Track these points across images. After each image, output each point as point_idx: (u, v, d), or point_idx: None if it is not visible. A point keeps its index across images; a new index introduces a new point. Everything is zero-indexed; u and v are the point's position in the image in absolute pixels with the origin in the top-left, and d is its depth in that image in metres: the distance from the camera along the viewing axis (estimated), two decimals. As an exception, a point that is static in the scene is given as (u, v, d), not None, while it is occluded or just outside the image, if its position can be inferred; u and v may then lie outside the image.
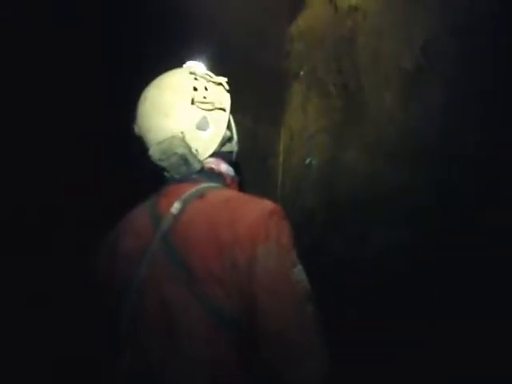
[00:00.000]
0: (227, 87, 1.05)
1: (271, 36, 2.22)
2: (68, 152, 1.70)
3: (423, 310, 1.25)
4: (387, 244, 1.44)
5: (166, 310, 0.83)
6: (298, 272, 0.81)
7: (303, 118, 2.00)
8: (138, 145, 0.98)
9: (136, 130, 0.98)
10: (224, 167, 1.01)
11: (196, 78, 0.99)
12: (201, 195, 0.90)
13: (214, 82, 1.03)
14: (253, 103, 1.99)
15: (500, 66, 1.13)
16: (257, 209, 0.82)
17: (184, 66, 1.05)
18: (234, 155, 1.09)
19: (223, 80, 1.05)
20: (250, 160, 1.92)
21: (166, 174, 0.97)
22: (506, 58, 1.11)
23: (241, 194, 0.93)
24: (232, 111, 1.06)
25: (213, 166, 0.99)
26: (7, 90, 1.58)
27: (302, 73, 1.83)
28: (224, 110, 1.01)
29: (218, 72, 1.07)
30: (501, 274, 1.05)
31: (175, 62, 1.08)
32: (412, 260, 1.30)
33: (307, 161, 1.94)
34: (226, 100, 1.03)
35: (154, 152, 0.93)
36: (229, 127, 1.05)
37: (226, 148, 1.04)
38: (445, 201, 1.26)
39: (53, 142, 1.67)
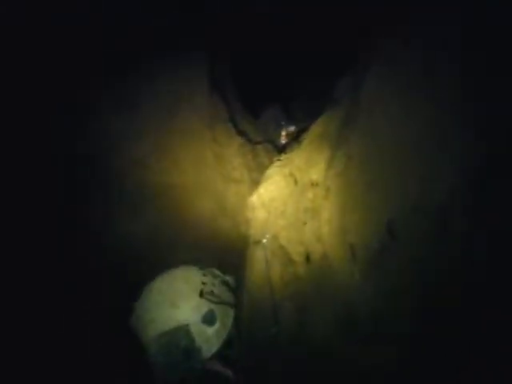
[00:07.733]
0: (233, 285, 1.10)
1: (231, 203, 2.27)
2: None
3: None
4: None
5: None
6: None
7: (266, 286, 1.88)
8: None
9: (133, 322, 0.92)
10: None
11: (204, 274, 1.02)
12: None
13: (220, 280, 1.06)
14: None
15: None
16: None
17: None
18: None
19: (230, 278, 1.10)
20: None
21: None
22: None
23: None
24: None
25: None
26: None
27: (264, 240, 1.80)
28: (231, 306, 1.01)
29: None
30: None
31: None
32: None
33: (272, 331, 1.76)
34: (232, 297, 1.05)
35: (151, 345, 0.86)
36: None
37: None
38: None
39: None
